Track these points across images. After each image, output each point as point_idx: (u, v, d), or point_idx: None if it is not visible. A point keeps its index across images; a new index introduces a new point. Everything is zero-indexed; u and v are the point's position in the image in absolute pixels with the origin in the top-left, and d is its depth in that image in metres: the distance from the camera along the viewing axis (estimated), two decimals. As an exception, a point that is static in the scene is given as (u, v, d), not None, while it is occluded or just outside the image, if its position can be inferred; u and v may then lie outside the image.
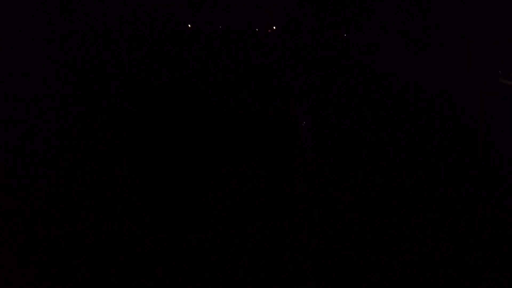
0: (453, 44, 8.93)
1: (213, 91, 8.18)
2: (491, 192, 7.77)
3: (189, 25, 8.99)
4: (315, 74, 8.90)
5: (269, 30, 9.00)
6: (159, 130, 7.79)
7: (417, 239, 6.81)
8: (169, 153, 7.68)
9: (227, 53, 8.91)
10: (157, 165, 7.66)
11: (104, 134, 8.13)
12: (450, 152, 8.44)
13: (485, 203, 7.58)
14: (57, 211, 7.39)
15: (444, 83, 8.83)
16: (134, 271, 6.25)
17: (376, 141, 8.59)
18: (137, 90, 8.17)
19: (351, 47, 9.13)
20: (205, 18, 9.11)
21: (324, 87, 8.89)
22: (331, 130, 8.64)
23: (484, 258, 6.40)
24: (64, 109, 8.46)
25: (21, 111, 8.38)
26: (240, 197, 7.72)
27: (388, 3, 9.10)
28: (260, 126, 8.15)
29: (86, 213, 7.35)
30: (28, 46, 8.77)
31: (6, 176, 7.87)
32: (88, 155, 8.18)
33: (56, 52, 8.82)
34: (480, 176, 8.13)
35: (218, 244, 6.80)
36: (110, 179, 7.81)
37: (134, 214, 7.31)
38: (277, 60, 8.80)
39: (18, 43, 8.75)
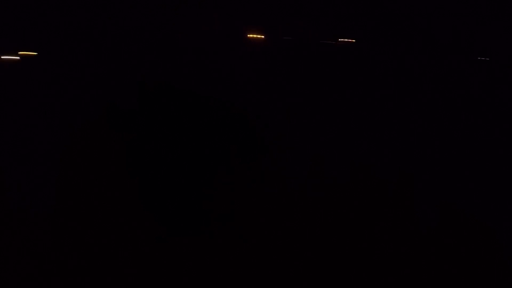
0: (451, 45, 8.94)
1: (212, 92, 8.18)
2: (490, 193, 7.78)
3: (189, 27, 9.00)
4: (315, 75, 8.91)
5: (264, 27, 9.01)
6: (159, 130, 7.80)
7: (417, 239, 6.81)
8: (169, 153, 7.68)
9: (227, 54, 8.92)
10: (157, 165, 7.66)
11: (104, 134, 8.13)
12: (450, 153, 8.44)
13: (485, 205, 7.59)
14: (57, 211, 7.39)
15: (443, 83, 8.84)
16: (134, 271, 6.26)
17: (376, 141, 8.59)
18: (137, 90, 8.18)
19: (350, 48, 9.14)
20: (205, 19, 9.12)
21: (324, 88, 8.90)
22: (331, 130, 8.64)
23: (483, 259, 6.40)
24: (65, 109, 8.47)
25: (22, 111, 8.38)
26: (240, 197, 7.72)
27: (386, 4, 9.11)
28: (258, 126, 8.16)
29: (86, 213, 7.35)
30: (28, 46, 8.78)
31: (7, 176, 7.87)
32: (88, 155, 8.18)
33: (56, 52, 8.83)
34: (480, 177, 8.13)
35: (218, 244, 6.80)
36: (110, 179, 7.82)
37: (134, 214, 7.32)
38: (276, 61, 8.81)
39: (19, 43, 8.76)
